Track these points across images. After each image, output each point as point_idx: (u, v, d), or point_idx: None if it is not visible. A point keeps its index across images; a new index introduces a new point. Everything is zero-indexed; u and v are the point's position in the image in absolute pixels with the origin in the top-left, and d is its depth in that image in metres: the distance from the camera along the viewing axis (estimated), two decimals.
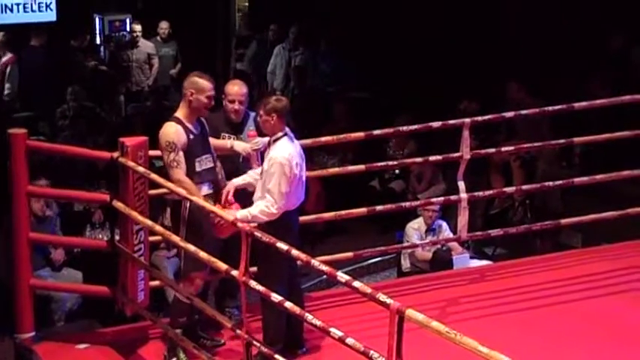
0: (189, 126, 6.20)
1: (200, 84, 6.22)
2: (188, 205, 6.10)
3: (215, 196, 6.24)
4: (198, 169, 6.21)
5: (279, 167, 6.03)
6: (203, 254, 5.83)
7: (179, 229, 6.19)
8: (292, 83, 13.62)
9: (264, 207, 6.01)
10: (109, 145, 6.90)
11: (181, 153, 6.11)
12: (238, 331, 5.70)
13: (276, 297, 5.42)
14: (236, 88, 6.77)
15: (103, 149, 6.97)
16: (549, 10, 12.98)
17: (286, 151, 6.11)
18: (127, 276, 6.56)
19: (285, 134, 6.19)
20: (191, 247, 5.90)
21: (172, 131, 6.14)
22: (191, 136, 6.18)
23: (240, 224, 5.66)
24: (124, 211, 6.41)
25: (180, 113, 6.24)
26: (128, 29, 13.90)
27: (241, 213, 5.99)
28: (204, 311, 6.07)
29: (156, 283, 6.92)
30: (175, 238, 6.10)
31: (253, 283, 5.52)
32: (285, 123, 6.20)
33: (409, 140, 11.17)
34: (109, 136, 10.29)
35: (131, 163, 6.36)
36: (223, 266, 5.73)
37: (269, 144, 6.22)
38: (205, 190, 6.23)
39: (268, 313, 6.10)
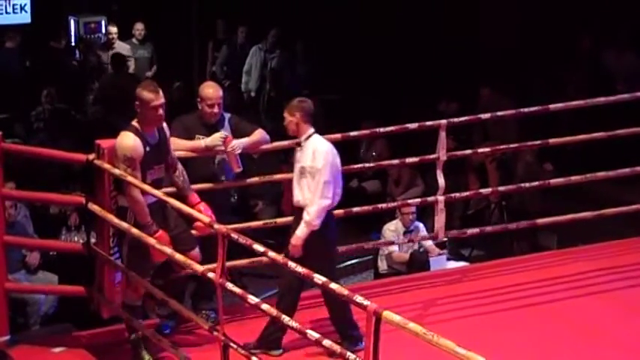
0: (147, 136, 6.10)
1: (144, 97, 6.07)
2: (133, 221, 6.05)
3: (181, 200, 6.16)
4: (148, 180, 6.13)
5: (323, 157, 6.20)
6: (179, 256, 5.82)
7: (122, 239, 6.16)
8: (268, 85, 13.61)
9: (318, 204, 6.12)
10: (83, 147, 6.85)
11: (138, 167, 6.02)
12: (215, 333, 5.69)
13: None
14: (212, 91, 6.75)
15: (77, 152, 6.91)
16: (524, 12, 13.06)
17: (325, 143, 6.31)
18: (104, 278, 6.52)
19: (315, 132, 6.29)
20: (178, 256, 5.86)
21: (130, 144, 6.02)
22: (147, 148, 6.08)
23: (216, 225, 5.64)
24: (100, 213, 6.38)
25: (137, 122, 6.13)
26: (103, 31, 13.84)
27: (301, 229, 6.13)
28: (180, 313, 6.05)
29: None
30: (162, 247, 6.03)
31: (229, 285, 5.51)
32: (311, 123, 6.30)
33: (378, 141, 11.21)
34: (82, 138, 10.23)
35: (107, 166, 6.32)
36: (200, 268, 5.71)
37: (298, 144, 6.28)
38: (151, 199, 6.12)
39: (335, 307, 6.27)
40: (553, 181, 8.19)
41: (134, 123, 6.13)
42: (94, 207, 6.44)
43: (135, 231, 6.00)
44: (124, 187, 6.08)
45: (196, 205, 6.19)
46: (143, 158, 6.06)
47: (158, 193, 6.05)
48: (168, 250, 5.90)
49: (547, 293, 7.26)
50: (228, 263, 6.31)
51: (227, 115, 6.84)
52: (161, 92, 6.15)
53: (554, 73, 12.04)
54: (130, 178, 6.00)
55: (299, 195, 6.28)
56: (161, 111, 6.13)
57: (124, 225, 6.08)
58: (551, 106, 8.03)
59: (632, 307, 7.02)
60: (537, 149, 9.99)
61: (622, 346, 6.52)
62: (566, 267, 7.72)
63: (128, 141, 6.05)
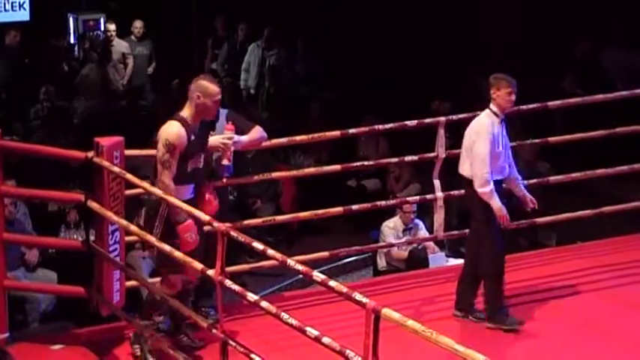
0: (193, 127, 6.13)
1: (209, 89, 6.14)
2: (164, 212, 6.06)
3: (195, 200, 6.20)
4: (189, 169, 6.15)
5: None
6: (178, 254, 5.81)
7: (153, 227, 6.15)
8: (267, 82, 13.61)
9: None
10: (82, 144, 6.85)
11: (176, 157, 6.03)
12: (214, 331, 5.69)
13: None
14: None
15: (75, 149, 6.91)
16: (520, 10, 13.05)
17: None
18: (103, 276, 6.52)
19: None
20: (166, 247, 5.87)
21: (175, 132, 6.04)
22: (192, 138, 6.11)
23: (215, 224, 5.64)
24: (99, 211, 6.38)
25: (186, 113, 6.15)
26: (102, 28, 13.84)
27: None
28: (179, 311, 6.05)
29: (131, 283, 6.89)
30: (151, 238, 6.05)
31: (229, 283, 5.51)
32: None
33: (379, 139, 11.21)
34: (81, 136, 10.25)
35: (106, 163, 6.32)
36: (199, 265, 5.72)
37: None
38: (189, 193, 6.17)
39: (489, 283, 6.64)
40: (552, 178, 8.19)
41: (181, 113, 6.14)
42: (93, 204, 6.44)
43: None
44: (158, 172, 6.07)
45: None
46: (187, 148, 6.07)
47: (156, 190, 6.04)
48: (193, 237, 5.90)
49: (546, 290, 7.26)
50: (232, 268, 6.37)
51: (224, 111, 6.84)
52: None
53: (553, 70, 12.02)
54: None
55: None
56: (218, 104, 6.26)
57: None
58: (550, 104, 8.03)
59: (633, 304, 7.03)
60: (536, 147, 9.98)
61: (622, 342, 6.52)
62: (565, 264, 7.73)
63: (173, 129, 6.05)
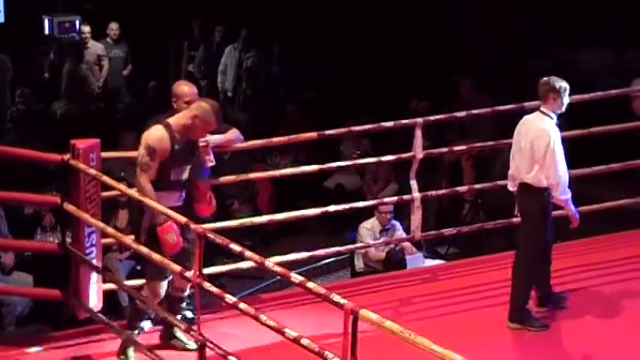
0: (178, 137, 6.08)
1: (210, 119, 6.09)
2: (148, 217, 6.03)
3: (185, 208, 6.17)
4: (172, 178, 6.12)
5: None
6: (156, 256, 5.79)
7: (139, 236, 6.12)
8: (244, 84, 13.59)
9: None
10: (58, 147, 6.81)
11: (156, 160, 6.00)
12: (192, 333, 5.67)
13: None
14: (187, 89, 6.70)
15: (52, 152, 6.88)
16: (498, 10, 13.10)
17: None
18: (79, 279, 6.49)
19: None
20: (155, 256, 5.83)
21: (157, 136, 6.01)
22: (176, 147, 6.06)
23: (192, 226, 5.63)
24: (76, 213, 6.35)
25: (174, 122, 6.11)
26: (77, 30, 13.78)
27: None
28: (157, 313, 6.03)
29: (109, 285, 6.86)
30: (139, 246, 6.00)
31: (207, 285, 5.50)
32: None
33: (363, 139, 11.22)
34: (57, 139, 10.20)
35: (82, 166, 6.30)
36: (177, 268, 5.70)
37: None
38: (174, 200, 6.13)
39: (521, 280, 6.68)
40: None
41: (170, 120, 6.10)
42: (69, 207, 6.41)
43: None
44: (136, 175, 6.05)
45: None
46: (170, 156, 6.03)
47: (132, 192, 6.02)
48: (175, 239, 5.87)
49: None
50: (210, 269, 6.35)
51: None
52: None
53: (530, 70, 12.08)
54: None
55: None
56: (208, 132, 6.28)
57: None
58: (527, 104, 8.05)
59: (609, 303, 7.05)
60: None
61: (599, 341, 6.55)
62: None
63: (156, 133, 6.03)
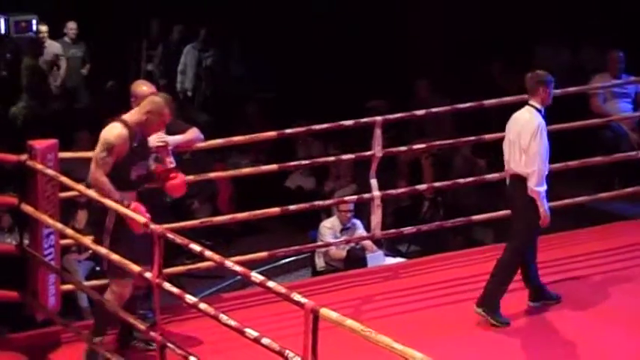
0: (136, 134, 6.07)
1: (163, 110, 6.11)
2: (112, 216, 5.99)
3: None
4: (133, 175, 6.11)
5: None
6: (115, 256, 5.75)
7: (102, 238, 6.08)
8: (203, 84, 13.55)
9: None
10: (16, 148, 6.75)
11: (113, 157, 5.98)
12: (152, 334, 5.64)
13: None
14: (145, 88, 6.69)
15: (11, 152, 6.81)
16: (455, 9, 13.15)
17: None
18: (38, 281, 6.44)
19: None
20: (116, 257, 5.78)
21: (115, 132, 5.99)
22: (135, 144, 6.06)
23: (151, 226, 5.60)
24: (34, 214, 6.30)
25: (131, 118, 6.09)
26: (34, 30, 13.66)
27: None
28: (116, 315, 5.99)
29: (67, 287, 6.81)
30: (101, 249, 5.95)
31: (167, 285, 5.47)
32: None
33: (315, 141, 11.25)
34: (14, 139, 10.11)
35: (40, 166, 6.24)
36: (137, 269, 5.66)
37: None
38: (132, 197, 6.11)
39: (504, 270, 6.77)
40: (488, 176, 8.25)
41: (126, 117, 6.09)
42: (27, 208, 6.36)
43: (111, 204, 5.89)
44: (91, 170, 6.00)
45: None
46: (129, 153, 6.03)
47: (91, 192, 5.98)
48: (145, 218, 5.81)
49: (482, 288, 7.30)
50: (170, 270, 6.31)
51: None
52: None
53: (488, 69, 12.13)
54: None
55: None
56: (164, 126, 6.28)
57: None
58: (486, 102, 8.10)
59: (569, 300, 7.09)
60: (472, 145, 10.07)
61: (559, 338, 6.59)
62: None
63: (114, 130, 6.01)
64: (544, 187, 6.70)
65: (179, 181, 6.39)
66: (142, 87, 6.71)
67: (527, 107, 6.84)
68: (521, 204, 6.76)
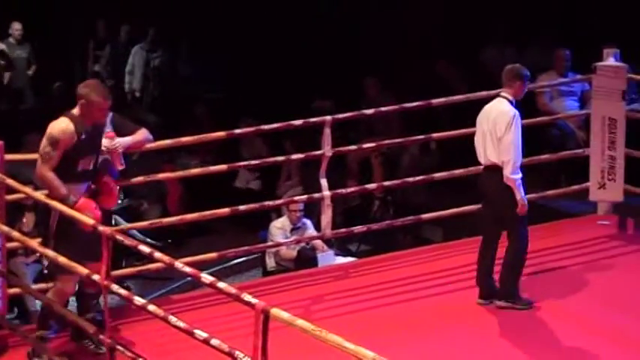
0: (84, 126, 6.07)
1: (91, 97, 6.07)
2: (56, 214, 5.95)
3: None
4: (79, 168, 6.10)
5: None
6: (62, 259, 5.70)
7: (48, 237, 6.03)
8: (152, 84, 13.48)
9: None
10: None
11: (59, 151, 5.97)
12: (101, 336, 5.60)
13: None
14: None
15: None
16: (404, 9, 13.21)
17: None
18: None
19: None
20: (61, 258, 5.73)
21: (61, 127, 6.01)
22: (83, 137, 6.06)
23: (100, 228, 5.55)
24: None
25: (75, 111, 6.11)
26: None
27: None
28: (65, 317, 5.94)
29: (15, 290, 6.73)
30: (48, 251, 5.89)
31: (115, 287, 5.43)
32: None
33: (257, 141, 11.24)
34: None
35: None
36: (84, 271, 5.61)
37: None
38: (80, 193, 6.08)
39: (507, 271, 6.89)
40: (437, 175, 8.29)
41: (74, 111, 6.09)
42: None
43: (56, 205, 5.86)
44: (37, 166, 6.00)
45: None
46: (76, 146, 6.03)
47: (38, 194, 5.92)
48: (95, 214, 5.80)
49: (435, 286, 7.34)
50: (118, 272, 6.26)
51: (109, 114, 6.73)
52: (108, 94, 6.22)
53: (435, 68, 12.18)
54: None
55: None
56: (106, 112, 6.24)
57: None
58: (434, 101, 8.13)
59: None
60: (421, 143, 10.11)
61: (512, 335, 6.64)
62: (452, 260, 7.82)
63: (61, 124, 6.03)
64: (519, 175, 6.79)
65: (114, 200, 6.37)
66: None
67: (499, 99, 6.93)
68: (497, 193, 6.85)
